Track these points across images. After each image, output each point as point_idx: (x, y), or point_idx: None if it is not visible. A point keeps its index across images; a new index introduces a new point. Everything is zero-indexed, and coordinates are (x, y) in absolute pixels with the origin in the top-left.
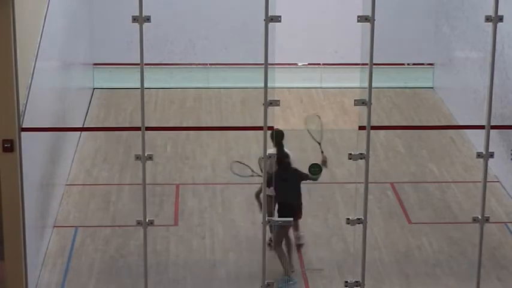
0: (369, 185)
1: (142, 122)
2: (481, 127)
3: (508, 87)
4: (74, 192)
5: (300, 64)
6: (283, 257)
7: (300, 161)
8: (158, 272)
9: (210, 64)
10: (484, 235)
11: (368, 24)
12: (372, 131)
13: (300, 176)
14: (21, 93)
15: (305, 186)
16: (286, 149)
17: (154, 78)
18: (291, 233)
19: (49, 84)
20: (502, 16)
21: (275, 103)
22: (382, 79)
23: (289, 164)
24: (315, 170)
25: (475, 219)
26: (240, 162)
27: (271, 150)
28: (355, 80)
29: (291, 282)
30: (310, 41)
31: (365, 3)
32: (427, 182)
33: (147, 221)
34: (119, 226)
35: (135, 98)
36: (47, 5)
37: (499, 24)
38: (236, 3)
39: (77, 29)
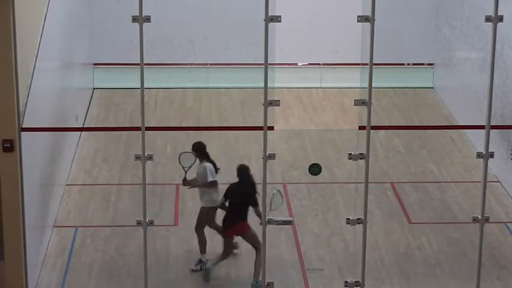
0: (369, 185)
1: (142, 122)
2: (481, 127)
3: (508, 87)
4: (74, 192)
5: (300, 64)
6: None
7: (300, 161)
8: (158, 272)
9: (210, 64)
10: (484, 235)
11: (368, 24)
12: (372, 131)
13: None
14: (21, 93)
15: (305, 186)
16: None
17: (154, 78)
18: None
19: (49, 84)
20: (502, 16)
21: (275, 103)
22: (382, 79)
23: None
24: (315, 170)
25: (475, 219)
26: (190, 152)
27: None
28: (355, 80)
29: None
30: (310, 41)
31: (365, 3)
32: (427, 182)
33: (147, 221)
34: (118, 226)
35: (135, 98)
36: (47, 5)
37: (499, 24)
38: (236, 3)
39: (77, 29)
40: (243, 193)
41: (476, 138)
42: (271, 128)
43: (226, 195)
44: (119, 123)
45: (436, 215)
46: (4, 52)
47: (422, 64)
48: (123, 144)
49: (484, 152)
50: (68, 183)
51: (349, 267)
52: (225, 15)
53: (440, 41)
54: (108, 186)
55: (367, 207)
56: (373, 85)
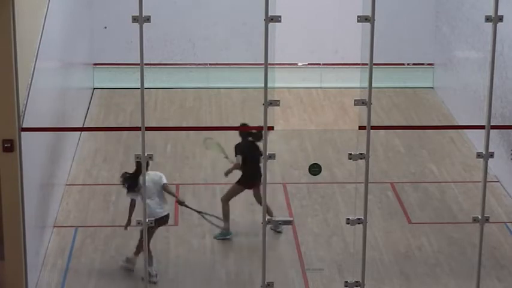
0: (369, 185)
1: (142, 122)
2: (481, 127)
3: (508, 87)
4: (74, 192)
5: (300, 64)
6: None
7: (300, 161)
8: (158, 272)
9: (210, 64)
10: (484, 235)
11: (368, 24)
12: (372, 131)
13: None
14: (21, 93)
15: (305, 186)
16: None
17: (154, 78)
18: None
19: (49, 84)
20: (502, 16)
21: (275, 103)
22: (382, 79)
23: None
24: (315, 170)
25: (475, 219)
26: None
27: None
28: (355, 80)
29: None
30: (310, 41)
31: (365, 3)
32: (427, 182)
33: (147, 221)
34: (118, 226)
35: (135, 98)
36: (47, 5)
37: (499, 24)
38: (236, 3)
39: (77, 29)
40: (247, 147)
41: (476, 138)
42: (271, 128)
43: (236, 151)
44: (119, 123)
45: (436, 215)
46: (4, 52)
47: (422, 64)
48: (123, 144)
49: (484, 152)
50: (68, 183)
51: (349, 267)
52: (225, 15)
53: (440, 41)
54: (108, 186)
55: (367, 207)
56: (373, 85)
